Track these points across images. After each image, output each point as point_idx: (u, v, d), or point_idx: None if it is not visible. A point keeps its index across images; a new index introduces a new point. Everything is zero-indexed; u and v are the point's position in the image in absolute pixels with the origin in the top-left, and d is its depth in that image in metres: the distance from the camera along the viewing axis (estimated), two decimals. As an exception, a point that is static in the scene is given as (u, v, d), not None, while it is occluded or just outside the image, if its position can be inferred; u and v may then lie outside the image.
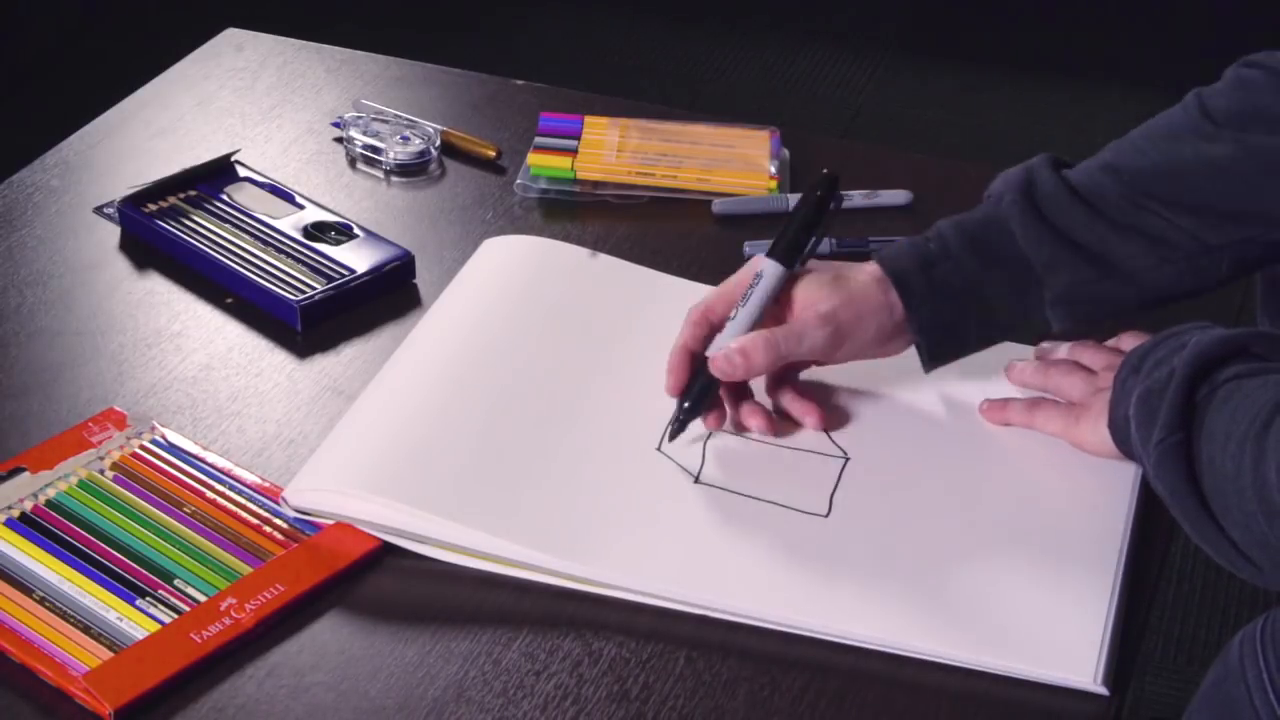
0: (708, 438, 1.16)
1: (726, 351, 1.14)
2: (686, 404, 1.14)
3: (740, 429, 1.16)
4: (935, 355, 1.17)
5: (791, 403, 1.17)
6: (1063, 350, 1.19)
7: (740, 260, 1.33)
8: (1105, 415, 1.10)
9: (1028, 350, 1.21)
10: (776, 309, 1.16)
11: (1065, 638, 1.02)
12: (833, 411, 1.17)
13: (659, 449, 1.14)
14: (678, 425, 1.14)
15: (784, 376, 1.18)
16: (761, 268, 1.16)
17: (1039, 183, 1.17)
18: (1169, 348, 1.06)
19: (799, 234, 1.17)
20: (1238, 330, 1.04)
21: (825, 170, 1.19)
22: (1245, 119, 1.16)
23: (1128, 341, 1.16)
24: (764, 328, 1.14)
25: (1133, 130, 1.21)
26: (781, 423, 1.16)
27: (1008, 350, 1.21)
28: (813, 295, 1.15)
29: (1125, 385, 1.08)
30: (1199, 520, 1.01)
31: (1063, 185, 1.17)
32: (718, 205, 1.40)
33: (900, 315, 1.15)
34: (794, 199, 1.40)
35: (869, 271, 1.16)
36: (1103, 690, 0.99)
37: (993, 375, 1.20)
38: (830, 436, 1.16)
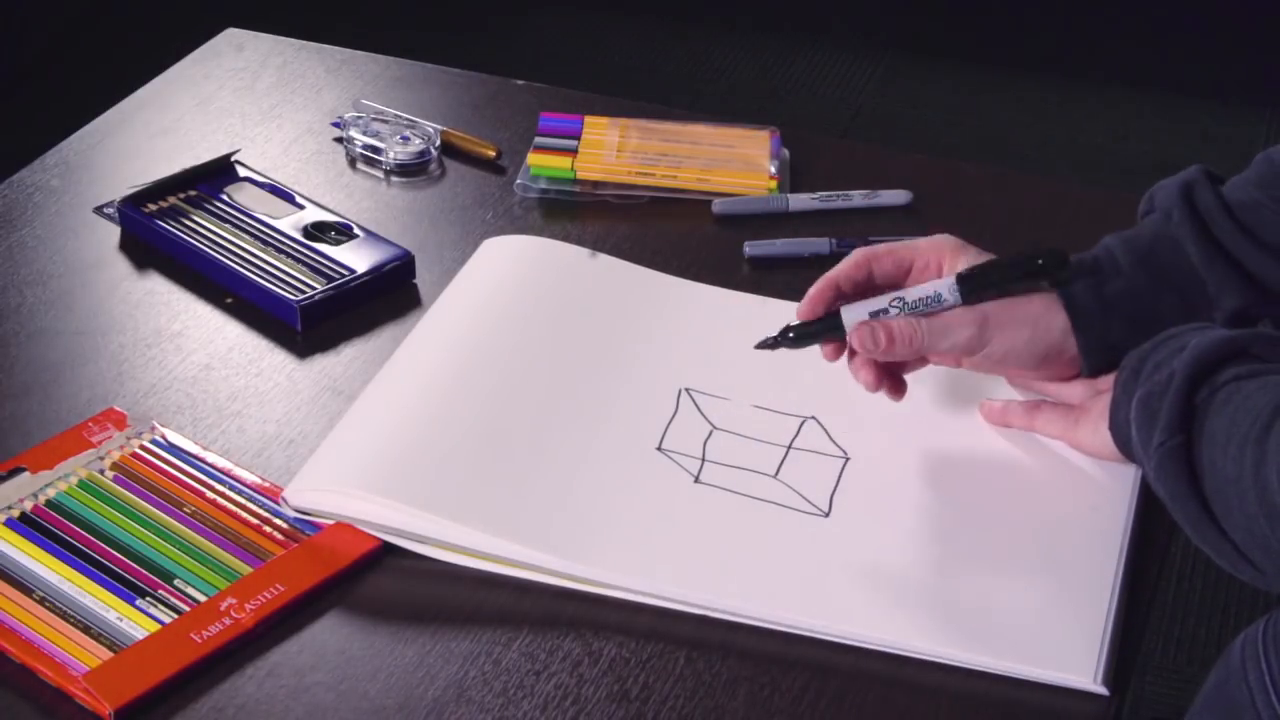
0: (708, 437, 1.15)
1: (872, 328, 1.12)
2: (803, 330, 1.14)
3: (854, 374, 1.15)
4: (1097, 370, 1.14)
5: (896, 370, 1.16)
6: None
7: (740, 260, 1.34)
8: (1106, 418, 1.10)
9: None
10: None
11: (1065, 637, 1.02)
12: (832, 410, 1.17)
13: (658, 448, 1.14)
14: (782, 341, 1.14)
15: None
16: (944, 294, 1.12)
17: (1200, 201, 1.14)
18: (1169, 349, 1.06)
19: (998, 281, 1.13)
20: (1237, 332, 1.03)
21: (1059, 248, 1.13)
22: None
23: None
24: None
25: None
26: (888, 381, 1.14)
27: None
28: None
29: (1125, 388, 1.07)
30: (1200, 523, 1.00)
31: (1220, 204, 1.14)
32: (718, 205, 1.40)
33: (1059, 326, 1.12)
34: (794, 199, 1.40)
35: (1036, 291, 1.13)
36: (1102, 690, 0.99)
37: (992, 374, 1.19)
38: (830, 436, 1.16)
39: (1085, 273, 1.13)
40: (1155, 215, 1.16)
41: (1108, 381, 1.11)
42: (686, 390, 1.19)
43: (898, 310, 1.12)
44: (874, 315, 1.13)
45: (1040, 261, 1.12)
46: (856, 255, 1.15)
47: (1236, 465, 0.97)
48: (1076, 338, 1.12)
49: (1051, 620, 1.03)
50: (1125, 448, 1.08)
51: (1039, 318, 1.12)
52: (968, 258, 1.14)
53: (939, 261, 1.15)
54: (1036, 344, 1.12)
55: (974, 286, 1.12)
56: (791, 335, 1.14)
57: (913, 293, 1.13)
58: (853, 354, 1.14)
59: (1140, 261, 1.14)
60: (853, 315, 1.13)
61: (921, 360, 1.16)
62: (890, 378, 1.15)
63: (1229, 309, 1.13)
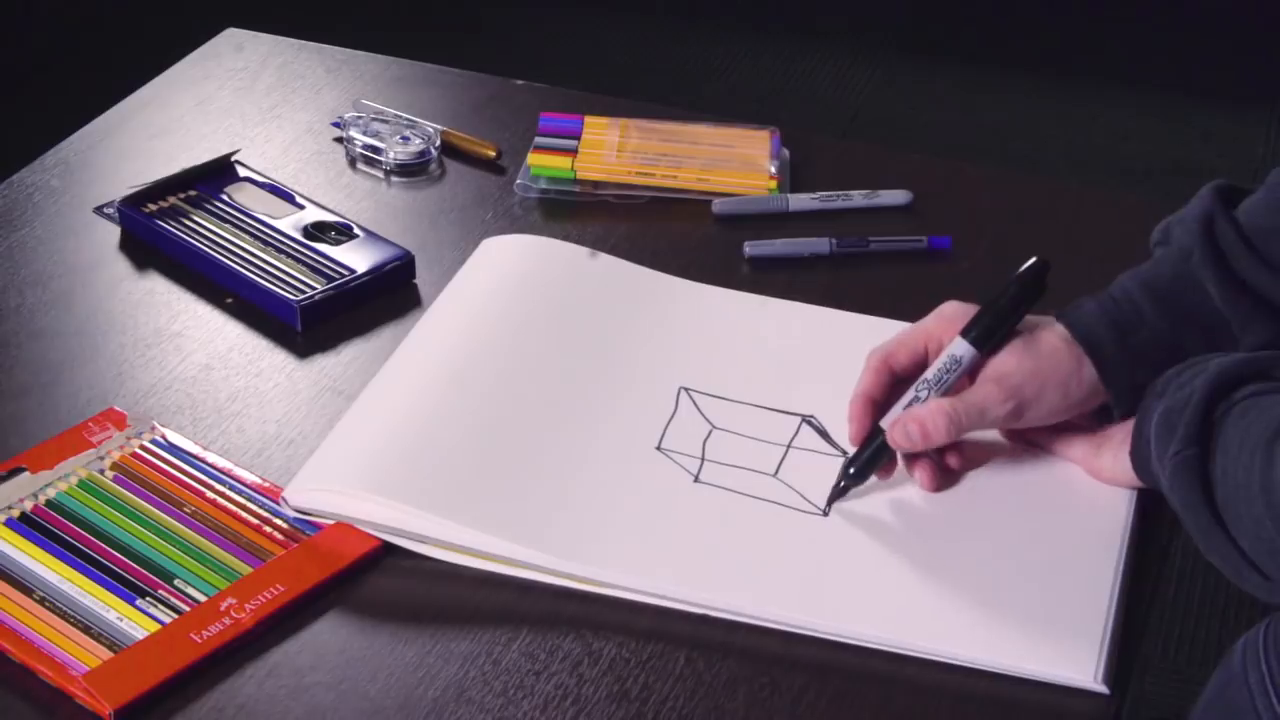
0: (707, 437, 1.15)
1: (904, 424, 1.10)
2: (858, 463, 1.11)
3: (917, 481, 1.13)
4: (1127, 414, 1.12)
5: (951, 457, 1.13)
6: None
7: (740, 260, 1.34)
8: (1128, 443, 1.09)
9: None
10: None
11: (1065, 636, 1.02)
12: (832, 409, 1.17)
13: (658, 448, 1.14)
14: (850, 481, 1.11)
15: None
16: (960, 354, 1.10)
17: (1221, 237, 1.13)
18: (1193, 371, 1.06)
19: (1001, 319, 1.12)
20: (1260, 353, 1.04)
21: (1035, 258, 1.13)
22: None
23: None
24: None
25: None
26: (945, 477, 1.12)
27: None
28: (997, 363, 1.11)
29: (1148, 408, 1.07)
30: (1210, 532, 1.00)
31: (1239, 237, 1.12)
32: (718, 205, 1.40)
33: (1089, 380, 1.11)
34: (794, 199, 1.40)
35: (1059, 335, 1.12)
36: (1103, 689, 0.99)
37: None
38: (830, 436, 1.16)
39: (1110, 323, 1.12)
40: (1172, 250, 1.14)
41: (1117, 428, 1.11)
42: (686, 390, 1.19)
43: (926, 393, 1.11)
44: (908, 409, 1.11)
45: (1026, 279, 1.12)
46: (873, 362, 1.13)
47: (1246, 471, 0.97)
48: (1105, 383, 1.11)
49: (1052, 618, 1.03)
50: (1145, 471, 1.08)
51: (1069, 378, 1.11)
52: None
53: (953, 335, 1.13)
54: (1070, 401, 1.11)
55: (981, 331, 1.11)
56: (853, 471, 1.11)
57: (931, 371, 1.11)
58: (909, 460, 1.13)
59: (1162, 307, 1.12)
60: (890, 421, 1.11)
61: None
62: (946, 470, 1.13)
63: (1253, 345, 1.12)
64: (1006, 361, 1.11)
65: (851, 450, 1.13)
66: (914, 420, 1.10)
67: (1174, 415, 1.03)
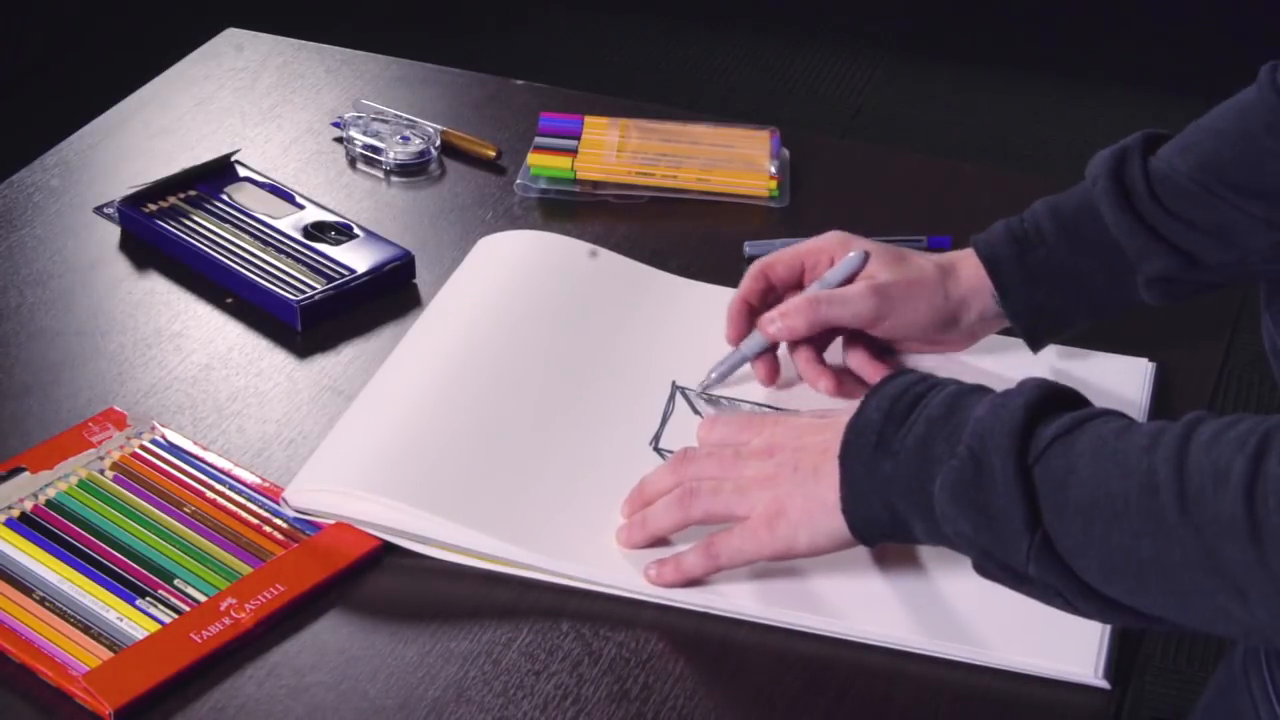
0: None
1: (770, 313, 1.18)
2: (734, 357, 1.19)
3: (813, 385, 1.19)
4: (1034, 336, 1.19)
5: (863, 364, 1.19)
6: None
7: (740, 260, 1.34)
8: (826, 505, 0.99)
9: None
10: None
11: (1066, 631, 1.01)
12: (829, 405, 1.17)
13: (655, 447, 1.14)
14: (725, 371, 1.18)
15: (859, 340, 1.20)
16: (851, 254, 1.19)
17: (1127, 169, 1.16)
18: (928, 420, 0.95)
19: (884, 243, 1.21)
20: (1020, 390, 0.94)
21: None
22: None
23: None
24: None
25: (1213, 109, 1.18)
26: (848, 384, 1.19)
27: (1009, 343, 1.21)
28: (870, 268, 1.18)
29: (870, 464, 0.96)
30: (1106, 609, 0.92)
31: (1143, 175, 1.16)
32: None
33: (954, 304, 1.18)
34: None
35: (933, 259, 1.19)
36: (1104, 684, 0.99)
37: (994, 372, 1.19)
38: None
39: (1012, 240, 1.18)
40: (1085, 182, 1.19)
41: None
42: (682, 389, 1.19)
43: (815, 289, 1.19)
44: None
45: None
46: (753, 269, 1.21)
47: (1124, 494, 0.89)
48: (1003, 301, 1.17)
49: (1053, 613, 1.02)
50: (878, 533, 0.99)
51: (934, 289, 1.18)
52: (856, 249, 1.19)
53: (829, 256, 1.20)
54: (935, 314, 1.18)
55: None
56: (714, 375, 1.19)
57: (806, 257, 1.21)
58: (800, 359, 1.19)
59: (1062, 229, 1.17)
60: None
61: (828, 335, 1.20)
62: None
63: (1151, 274, 1.15)
64: (875, 266, 1.18)
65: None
66: (777, 309, 1.18)
67: (970, 489, 0.92)
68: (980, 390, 0.97)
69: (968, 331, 1.20)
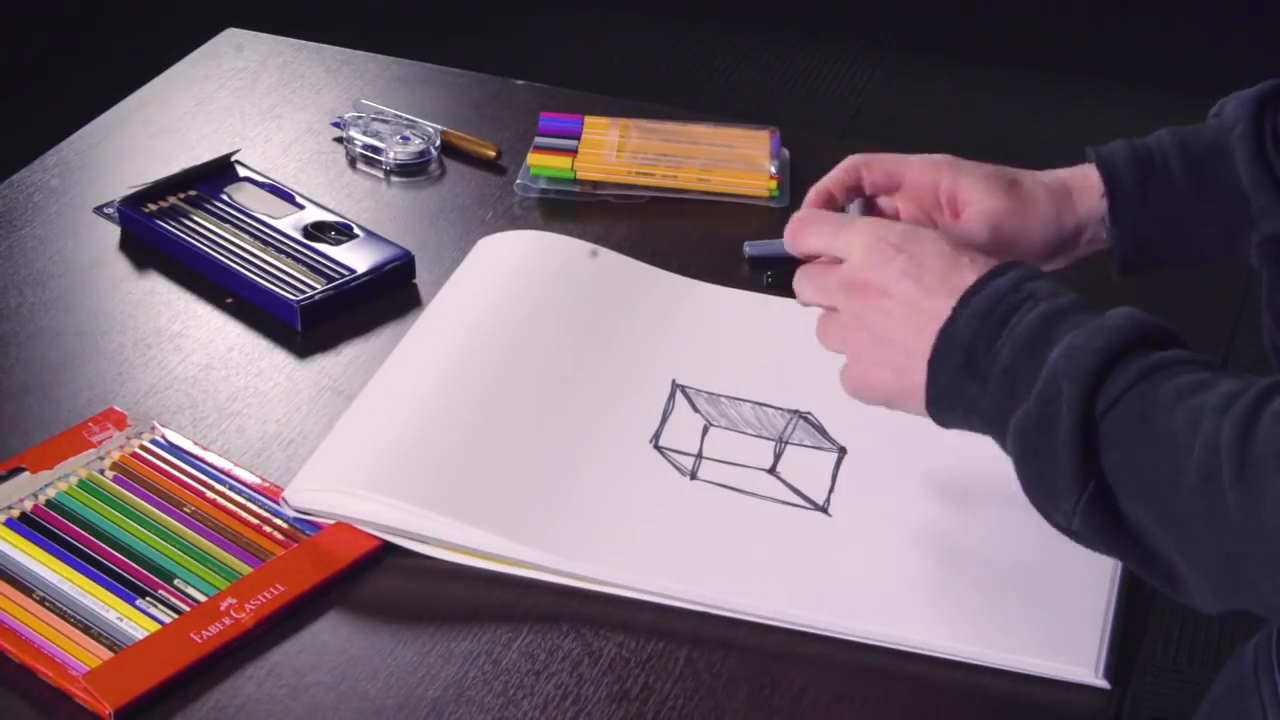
0: (704, 434, 1.15)
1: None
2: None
3: None
4: (1128, 266, 1.13)
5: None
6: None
7: (740, 260, 1.34)
8: (911, 384, 1.01)
9: None
10: (939, 205, 1.13)
11: (1066, 630, 1.01)
12: (829, 404, 1.17)
13: (656, 445, 1.14)
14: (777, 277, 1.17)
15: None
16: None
17: (1268, 120, 1.11)
18: (1014, 348, 0.95)
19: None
20: (1103, 326, 0.93)
21: None
22: None
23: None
24: (922, 222, 1.12)
25: None
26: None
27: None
28: (980, 196, 1.12)
29: (957, 382, 0.98)
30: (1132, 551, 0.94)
31: (1273, 128, 1.11)
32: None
33: (1070, 228, 1.12)
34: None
35: (1044, 183, 1.13)
36: (1103, 684, 0.99)
37: None
38: (827, 431, 1.16)
39: (1136, 163, 1.12)
40: (1221, 121, 1.13)
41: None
42: (683, 387, 1.19)
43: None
44: None
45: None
46: (848, 162, 1.14)
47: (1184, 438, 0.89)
48: (1110, 222, 1.11)
49: (1052, 613, 1.03)
50: (948, 415, 1.01)
51: (1049, 220, 1.12)
52: (966, 179, 1.13)
53: (934, 181, 1.14)
54: (1047, 245, 1.12)
55: None
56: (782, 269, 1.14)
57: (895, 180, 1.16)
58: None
59: (1191, 168, 1.11)
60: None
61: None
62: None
63: (1268, 233, 1.10)
64: (987, 196, 1.11)
65: (848, 447, 1.13)
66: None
67: (1035, 434, 0.93)
68: (1069, 313, 0.94)
69: (1070, 257, 1.14)
